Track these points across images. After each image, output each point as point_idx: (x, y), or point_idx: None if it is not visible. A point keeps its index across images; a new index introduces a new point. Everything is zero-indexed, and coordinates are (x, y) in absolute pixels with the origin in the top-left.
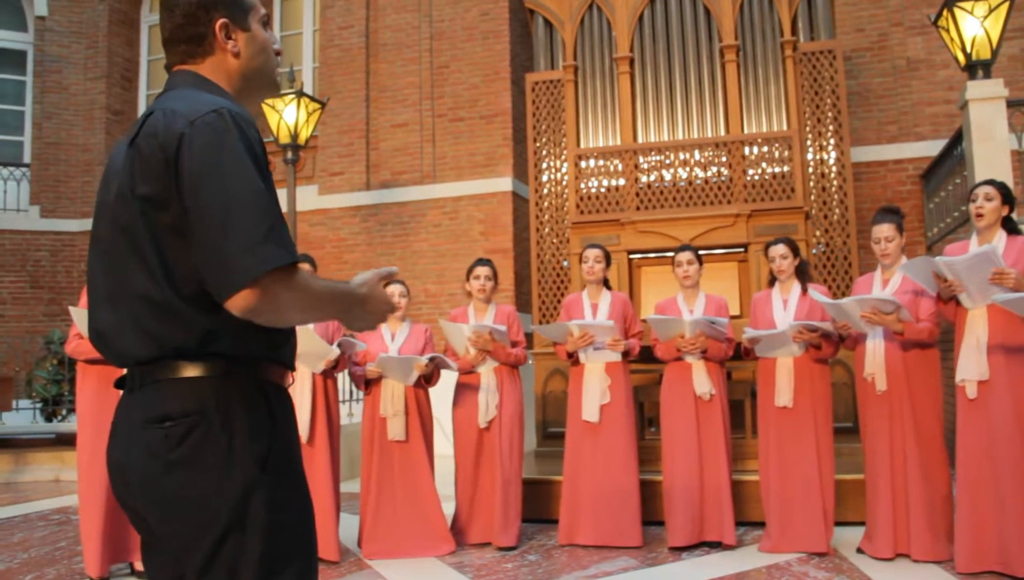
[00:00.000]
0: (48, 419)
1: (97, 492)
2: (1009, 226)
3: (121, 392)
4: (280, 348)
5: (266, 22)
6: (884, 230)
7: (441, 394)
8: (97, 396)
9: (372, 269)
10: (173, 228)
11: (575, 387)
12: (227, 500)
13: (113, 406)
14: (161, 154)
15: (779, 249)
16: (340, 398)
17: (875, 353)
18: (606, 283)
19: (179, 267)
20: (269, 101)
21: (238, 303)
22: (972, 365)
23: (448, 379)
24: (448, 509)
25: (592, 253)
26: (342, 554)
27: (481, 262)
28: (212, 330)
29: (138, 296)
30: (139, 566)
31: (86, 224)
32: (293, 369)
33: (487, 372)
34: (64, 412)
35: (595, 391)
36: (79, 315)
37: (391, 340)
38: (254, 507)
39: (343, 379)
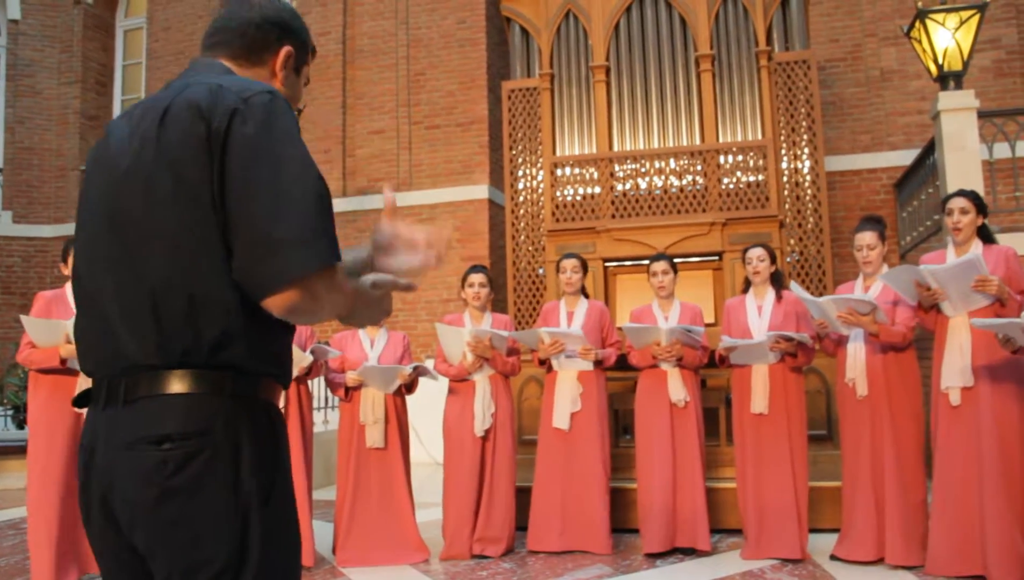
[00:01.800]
0: (19, 427)
1: (51, 503)
2: (984, 235)
3: (81, 411)
4: (285, 364)
5: (307, 81)
6: (867, 238)
7: (414, 402)
8: (49, 406)
9: (386, 274)
10: (199, 214)
11: (548, 394)
12: (228, 538)
13: (67, 415)
14: (204, 128)
15: (757, 252)
16: (315, 405)
17: (856, 358)
18: (584, 292)
19: (200, 258)
20: None
21: (280, 301)
22: (956, 372)
23: (423, 387)
24: (423, 517)
25: (569, 263)
26: (317, 561)
27: (475, 269)
28: (227, 335)
29: (146, 290)
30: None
31: (59, 229)
32: (287, 388)
33: (482, 380)
34: None
35: (566, 399)
36: (31, 324)
37: (370, 347)
38: (252, 543)
39: (317, 386)
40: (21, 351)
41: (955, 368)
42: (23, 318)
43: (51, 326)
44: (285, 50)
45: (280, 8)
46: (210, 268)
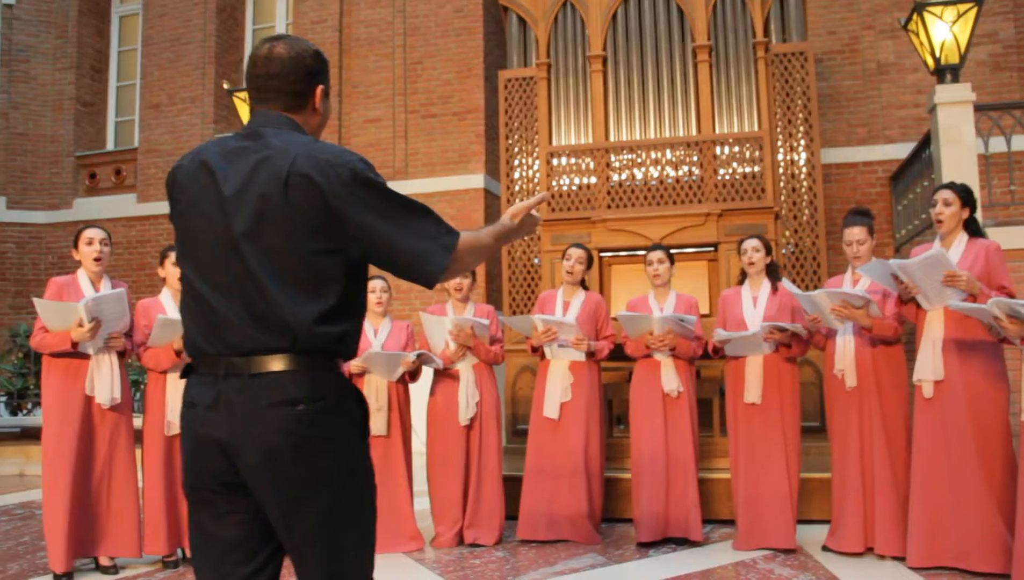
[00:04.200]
0: (13, 413)
1: (62, 486)
2: (971, 229)
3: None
4: (353, 347)
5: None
6: (856, 233)
7: (417, 391)
8: (62, 390)
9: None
10: (323, 248)
11: (539, 383)
12: (343, 475)
13: (78, 399)
14: (326, 188)
15: (752, 243)
16: None
17: (845, 350)
18: (584, 284)
19: (298, 274)
20: (241, 95)
21: (444, 281)
22: (928, 365)
23: (425, 375)
24: (418, 506)
25: (576, 253)
26: None
27: None
28: (323, 328)
29: (268, 297)
30: (104, 561)
31: (53, 216)
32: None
33: (466, 368)
34: (30, 406)
35: (556, 388)
36: (44, 307)
37: (374, 336)
38: (356, 479)
39: None
40: (34, 335)
41: (927, 361)
42: (36, 301)
43: (64, 309)
44: (320, 89)
45: (309, 55)
46: (309, 283)
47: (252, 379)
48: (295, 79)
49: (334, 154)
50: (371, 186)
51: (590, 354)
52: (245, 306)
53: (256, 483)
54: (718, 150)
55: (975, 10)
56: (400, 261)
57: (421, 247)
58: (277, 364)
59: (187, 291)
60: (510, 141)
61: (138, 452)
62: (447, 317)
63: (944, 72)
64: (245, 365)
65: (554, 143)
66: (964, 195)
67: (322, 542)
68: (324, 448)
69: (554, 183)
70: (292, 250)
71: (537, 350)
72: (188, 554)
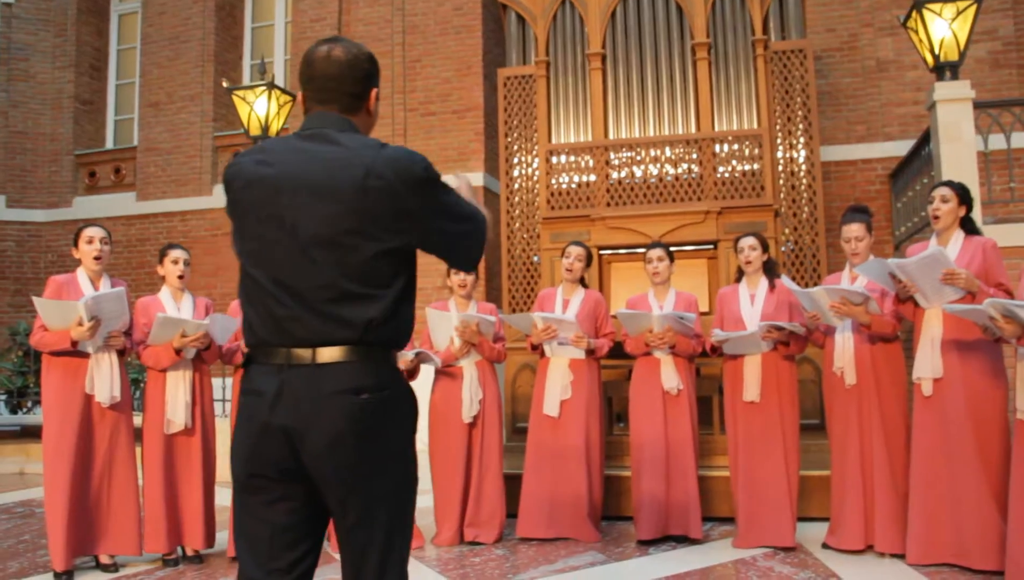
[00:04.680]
0: (13, 411)
1: (62, 485)
2: (968, 226)
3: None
4: (407, 338)
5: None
6: (854, 230)
7: (417, 389)
8: (62, 388)
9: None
10: (391, 246)
11: (539, 381)
12: (401, 461)
13: (78, 398)
14: (400, 187)
15: (749, 241)
16: None
17: (844, 347)
18: (583, 282)
19: (369, 271)
20: (240, 93)
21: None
22: (927, 363)
23: (426, 374)
24: (418, 503)
25: (575, 250)
26: None
27: None
28: (384, 323)
29: (336, 291)
30: (104, 559)
31: (52, 214)
32: None
33: (469, 366)
34: (29, 404)
35: (556, 386)
36: (44, 306)
37: None
38: (409, 465)
39: None
40: (34, 334)
41: (926, 359)
42: (36, 300)
43: (64, 308)
44: (374, 92)
45: (366, 59)
46: (376, 279)
47: (318, 369)
48: (353, 81)
49: (405, 155)
50: (437, 186)
51: (590, 352)
52: (314, 302)
53: (318, 468)
54: (717, 148)
55: (974, 7)
56: (456, 251)
57: (472, 238)
58: (342, 355)
59: (251, 285)
60: (509, 139)
61: (138, 450)
62: (451, 313)
63: (943, 69)
64: (310, 356)
65: (553, 141)
66: (961, 193)
67: (377, 525)
68: (384, 436)
69: (553, 181)
70: (362, 247)
71: (537, 348)
72: (187, 552)
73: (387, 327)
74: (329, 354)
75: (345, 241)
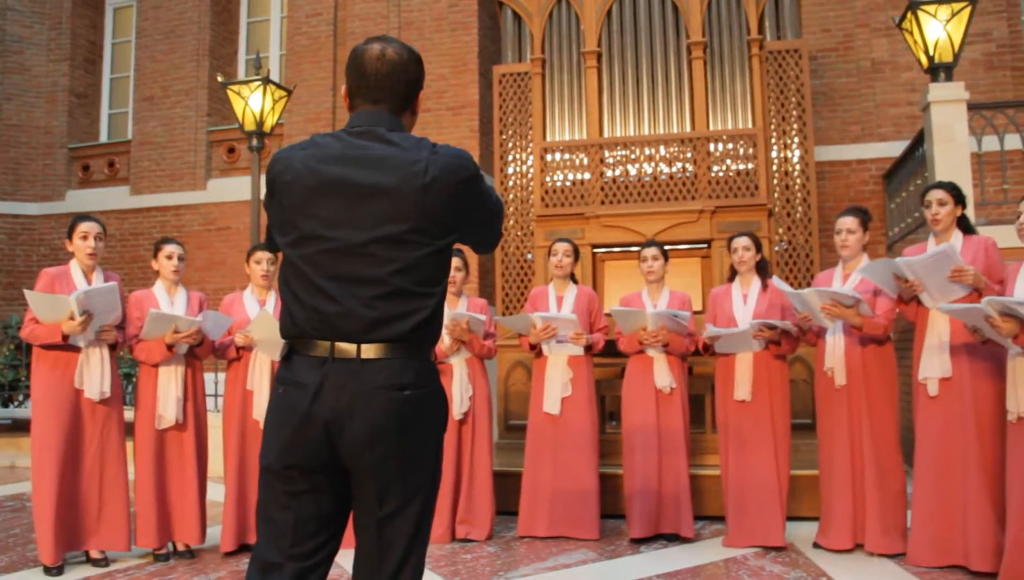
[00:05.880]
0: (4, 405)
1: (49, 478)
2: (964, 226)
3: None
4: (439, 334)
5: None
6: (847, 222)
7: None
8: (50, 381)
9: None
10: (441, 244)
11: (537, 379)
12: (434, 454)
13: (67, 392)
14: (456, 186)
15: (742, 241)
16: None
17: (835, 348)
18: (573, 277)
19: (422, 269)
20: (235, 87)
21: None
22: (935, 363)
23: None
24: None
25: (562, 247)
26: None
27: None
28: (428, 321)
29: (390, 290)
30: (94, 553)
31: (46, 207)
32: None
33: (459, 363)
34: (20, 398)
35: (557, 383)
36: (35, 299)
37: None
38: (440, 459)
39: None
40: (25, 327)
41: (934, 359)
42: (27, 293)
43: (55, 301)
44: (421, 94)
45: (415, 61)
46: (427, 279)
47: (363, 364)
48: (406, 84)
49: (456, 154)
50: (481, 181)
51: (588, 348)
52: (367, 298)
53: (356, 459)
54: (712, 147)
55: (969, 9)
56: (486, 236)
57: (497, 221)
58: (388, 351)
59: (296, 278)
60: (504, 136)
61: (129, 445)
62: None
63: (938, 71)
64: (355, 351)
65: (548, 139)
66: (955, 193)
67: (410, 516)
68: (422, 431)
69: (548, 178)
70: (422, 246)
71: (535, 347)
72: (178, 548)
73: (432, 326)
74: (375, 350)
75: (408, 238)
